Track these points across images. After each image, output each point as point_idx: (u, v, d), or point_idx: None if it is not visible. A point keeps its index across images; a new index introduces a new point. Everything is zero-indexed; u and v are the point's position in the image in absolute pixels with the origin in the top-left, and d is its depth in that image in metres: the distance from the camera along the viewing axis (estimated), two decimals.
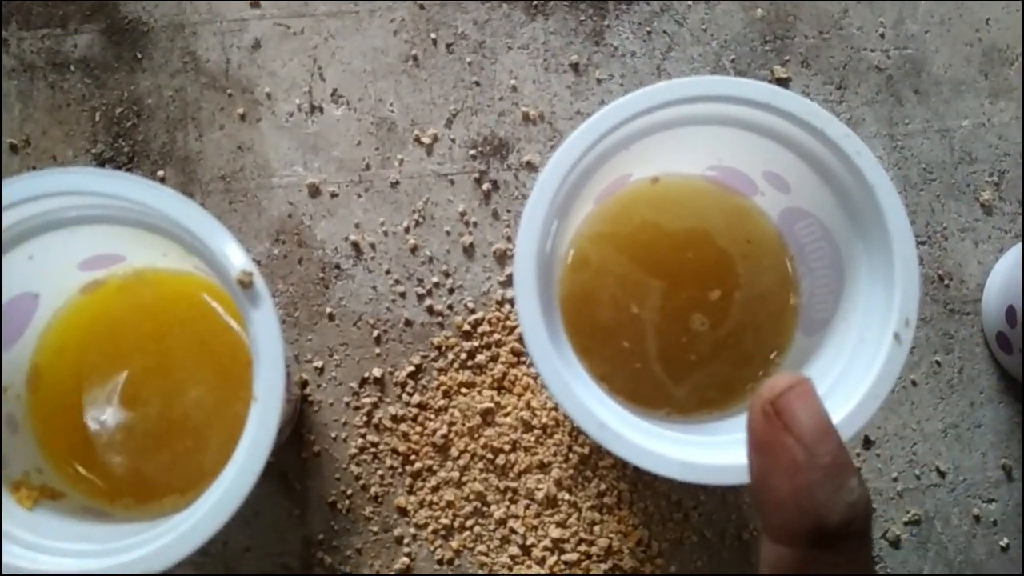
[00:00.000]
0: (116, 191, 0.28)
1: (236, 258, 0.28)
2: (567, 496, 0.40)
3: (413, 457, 0.40)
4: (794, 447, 0.22)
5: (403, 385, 0.40)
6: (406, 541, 0.39)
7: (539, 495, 0.39)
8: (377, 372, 0.40)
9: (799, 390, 0.23)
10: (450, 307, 0.41)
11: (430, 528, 0.39)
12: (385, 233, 0.42)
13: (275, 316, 0.28)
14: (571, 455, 0.40)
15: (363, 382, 0.41)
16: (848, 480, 0.22)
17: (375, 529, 0.39)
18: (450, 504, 0.40)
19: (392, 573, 0.39)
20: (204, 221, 0.28)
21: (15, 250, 0.30)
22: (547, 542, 0.39)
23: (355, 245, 0.42)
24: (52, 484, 0.32)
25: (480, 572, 0.39)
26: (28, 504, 0.30)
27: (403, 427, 0.40)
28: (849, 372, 0.29)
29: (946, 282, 0.42)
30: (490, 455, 0.40)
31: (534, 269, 0.29)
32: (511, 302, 0.41)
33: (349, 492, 0.40)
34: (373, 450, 0.40)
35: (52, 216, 0.29)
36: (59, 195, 0.28)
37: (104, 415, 0.34)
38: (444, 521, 0.39)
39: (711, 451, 0.29)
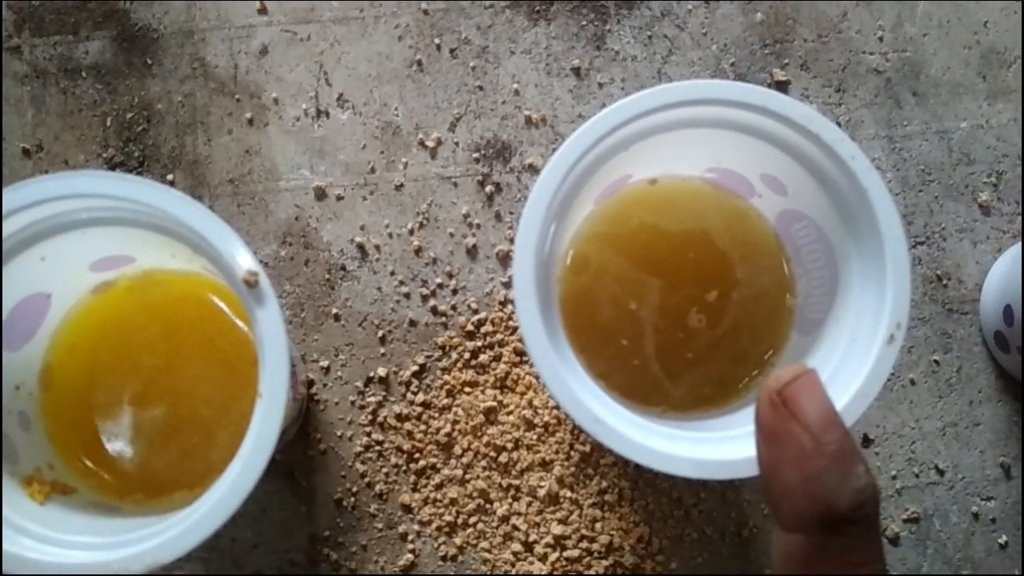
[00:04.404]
0: (126, 194, 0.29)
1: (242, 259, 0.29)
2: (569, 493, 0.40)
3: (417, 455, 0.41)
4: (801, 435, 0.22)
5: (407, 384, 0.41)
6: (410, 538, 0.40)
7: (541, 492, 0.40)
8: (382, 371, 0.41)
9: (804, 380, 0.23)
10: (454, 308, 0.42)
11: (434, 525, 0.40)
12: (390, 235, 0.43)
13: (280, 315, 0.28)
14: (573, 453, 0.40)
15: (368, 381, 0.41)
16: (855, 467, 0.22)
17: (380, 526, 0.40)
18: (453, 501, 0.40)
19: (396, 569, 0.40)
20: (211, 223, 0.29)
21: (28, 251, 0.31)
22: (549, 539, 0.40)
23: (360, 247, 0.42)
24: (63, 479, 0.33)
25: (483, 568, 0.40)
26: (40, 498, 0.31)
27: (407, 426, 0.41)
28: (841, 371, 0.30)
29: (944, 282, 0.43)
30: (493, 453, 0.40)
31: (533, 267, 0.29)
32: (513, 302, 0.42)
33: (354, 489, 0.40)
34: (378, 448, 0.41)
35: (64, 218, 0.30)
36: (71, 198, 0.29)
37: (114, 412, 0.35)
38: (448, 518, 0.40)
39: (707, 447, 0.29)
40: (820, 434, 0.22)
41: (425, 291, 0.42)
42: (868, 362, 0.29)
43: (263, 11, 0.44)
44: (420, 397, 0.41)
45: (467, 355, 0.41)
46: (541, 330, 0.29)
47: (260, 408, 0.28)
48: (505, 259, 0.42)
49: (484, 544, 0.40)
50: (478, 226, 0.43)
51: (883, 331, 0.29)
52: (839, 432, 0.23)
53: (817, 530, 0.22)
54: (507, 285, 0.42)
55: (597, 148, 0.31)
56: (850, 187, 0.31)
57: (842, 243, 0.32)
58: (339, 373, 0.41)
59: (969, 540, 0.41)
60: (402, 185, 0.43)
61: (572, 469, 0.40)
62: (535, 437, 0.41)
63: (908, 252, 0.30)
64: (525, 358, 0.41)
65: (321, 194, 0.43)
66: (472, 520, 0.40)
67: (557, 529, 0.40)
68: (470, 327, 0.42)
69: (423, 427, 0.41)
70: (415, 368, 0.41)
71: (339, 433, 0.41)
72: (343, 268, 0.42)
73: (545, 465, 0.40)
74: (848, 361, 0.30)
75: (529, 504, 0.40)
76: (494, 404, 0.41)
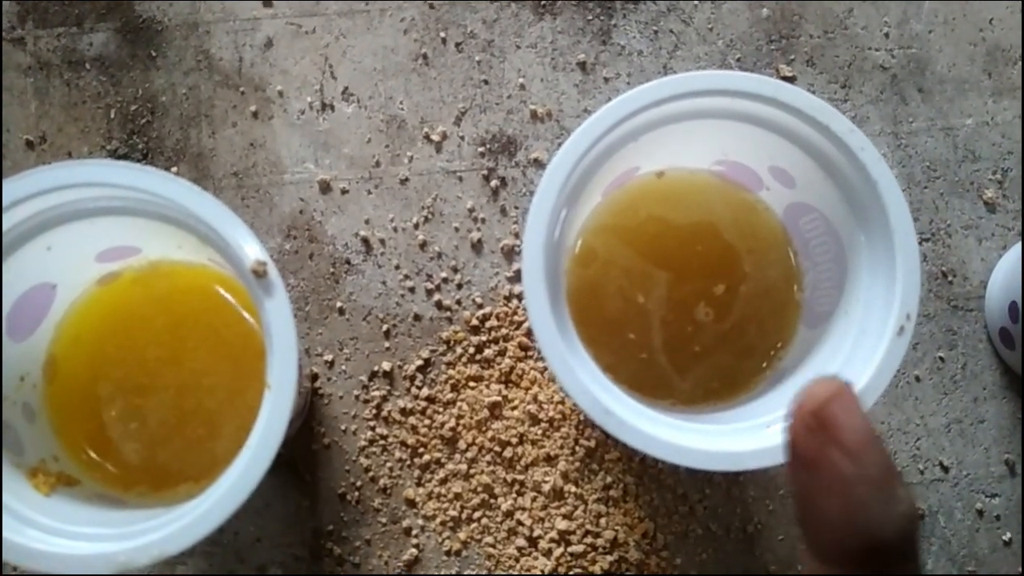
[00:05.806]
0: (133, 183, 0.28)
1: (250, 248, 0.28)
2: (573, 489, 0.40)
3: (421, 450, 0.40)
4: (841, 461, 0.20)
5: (412, 379, 0.41)
6: (414, 532, 0.40)
7: (546, 488, 0.40)
8: (386, 366, 0.41)
9: (843, 399, 0.21)
10: (458, 302, 0.42)
11: (438, 520, 0.40)
12: (395, 229, 0.42)
13: (288, 306, 0.28)
14: (577, 448, 0.40)
15: (373, 375, 0.41)
16: (897, 489, 0.20)
17: (384, 520, 0.40)
18: (458, 496, 0.40)
19: (400, 564, 0.40)
20: (218, 212, 0.29)
21: (34, 241, 0.30)
22: (553, 534, 0.40)
23: (365, 241, 0.42)
24: (68, 471, 0.33)
25: (487, 564, 0.40)
26: (45, 490, 0.30)
27: (412, 420, 0.41)
28: (850, 364, 0.30)
29: (950, 279, 0.43)
30: (497, 448, 0.40)
31: (542, 256, 0.29)
32: (519, 297, 0.42)
33: (358, 484, 0.40)
34: (382, 442, 0.40)
35: (70, 207, 0.30)
36: (78, 187, 0.29)
37: (118, 404, 0.35)
38: (452, 513, 0.40)
39: (714, 438, 0.29)
40: (861, 457, 0.20)
41: (430, 285, 0.42)
42: (878, 354, 0.29)
43: (268, 4, 0.44)
44: (424, 391, 0.41)
45: (472, 350, 0.41)
46: (550, 321, 0.29)
47: (268, 399, 0.28)
48: (510, 253, 0.42)
49: (488, 539, 0.40)
50: (483, 220, 0.43)
51: (893, 323, 0.29)
52: (880, 453, 0.20)
53: (857, 563, 0.20)
54: (512, 280, 0.42)
55: (606, 138, 0.31)
56: (859, 179, 0.31)
57: (851, 235, 0.32)
58: (343, 367, 0.41)
59: (973, 537, 0.41)
60: (407, 179, 0.43)
61: (577, 464, 0.40)
62: (540, 432, 0.40)
63: (917, 244, 0.30)
64: (530, 353, 0.41)
65: (326, 187, 0.43)
66: (476, 515, 0.40)
67: (562, 524, 0.40)
68: (475, 322, 0.41)
69: (427, 422, 0.41)
70: (420, 362, 0.41)
71: (343, 427, 0.41)
72: (348, 262, 0.42)
73: (550, 460, 0.40)
74: (857, 354, 0.30)
75: (534, 499, 0.40)
76: (499, 399, 0.40)
